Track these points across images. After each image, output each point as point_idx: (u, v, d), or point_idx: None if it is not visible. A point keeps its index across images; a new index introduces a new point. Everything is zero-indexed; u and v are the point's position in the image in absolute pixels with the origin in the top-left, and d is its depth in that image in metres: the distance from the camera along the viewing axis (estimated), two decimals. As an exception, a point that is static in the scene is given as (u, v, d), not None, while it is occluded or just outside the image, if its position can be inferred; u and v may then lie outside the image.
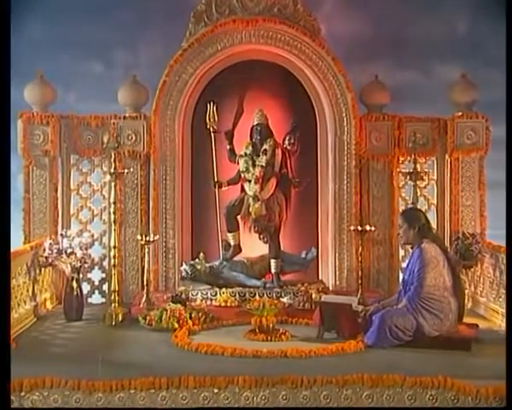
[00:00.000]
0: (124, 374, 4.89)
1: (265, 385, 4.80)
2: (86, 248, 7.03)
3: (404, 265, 7.05)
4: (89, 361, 5.27)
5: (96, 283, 7.75)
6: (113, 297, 6.67)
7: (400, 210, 7.46)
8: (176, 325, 6.21)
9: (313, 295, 6.75)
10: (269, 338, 5.87)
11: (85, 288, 7.49)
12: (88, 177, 7.74)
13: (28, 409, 4.77)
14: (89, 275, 7.70)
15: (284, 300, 6.86)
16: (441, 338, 5.71)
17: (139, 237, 7.08)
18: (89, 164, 7.71)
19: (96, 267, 7.74)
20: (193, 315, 6.37)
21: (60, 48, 8.61)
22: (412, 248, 6.02)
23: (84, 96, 8.54)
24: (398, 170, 7.64)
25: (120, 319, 6.56)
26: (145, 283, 6.98)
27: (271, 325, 5.99)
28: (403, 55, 8.59)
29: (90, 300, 7.67)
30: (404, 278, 5.99)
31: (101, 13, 8.57)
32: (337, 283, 7.53)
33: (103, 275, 7.74)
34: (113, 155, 6.65)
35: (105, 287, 7.71)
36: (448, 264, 5.86)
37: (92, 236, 7.64)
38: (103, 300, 7.66)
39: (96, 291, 7.76)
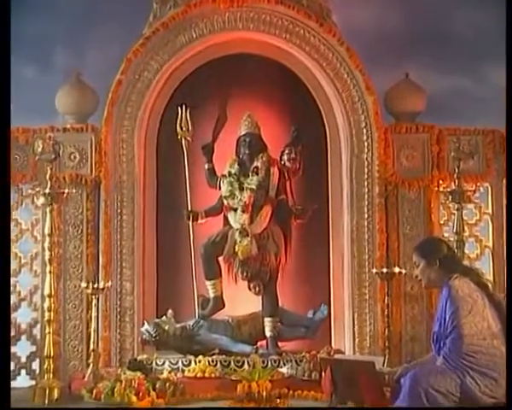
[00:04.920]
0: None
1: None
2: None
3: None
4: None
5: (24, 359, 7.77)
6: (46, 366, 6.74)
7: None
8: (134, 399, 6.28)
9: (323, 355, 6.81)
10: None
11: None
12: (14, 212, 7.81)
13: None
14: (13, 348, 7.66)
15: (283, 370, 6.92)
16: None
17: (84, 285, 7.15)
18: (15, 194, 7.81)
19: (24, 337, 7.77)
20: (157, 386, 6.44)
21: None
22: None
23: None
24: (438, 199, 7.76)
25: (56, 395, 6.60)
26: (91, 349, 7.03)
27: (265, 393, 6.01)
28: (441, 53, 8.76)
29: (13, 383, 7.56)
30: (434, 332, 5.96)
31: (36, 3, 8.80)
32: (356, 353, 7.55)
33: (33, 348, 7.76)
34: (49, 171, 6.80)
35: (35, 365, 7.72)
36: (490, 302, 5.87)
37: (19, 293, 7.70)
38: (33, 382, 7.59)
39: (23, 371, 7.77)
